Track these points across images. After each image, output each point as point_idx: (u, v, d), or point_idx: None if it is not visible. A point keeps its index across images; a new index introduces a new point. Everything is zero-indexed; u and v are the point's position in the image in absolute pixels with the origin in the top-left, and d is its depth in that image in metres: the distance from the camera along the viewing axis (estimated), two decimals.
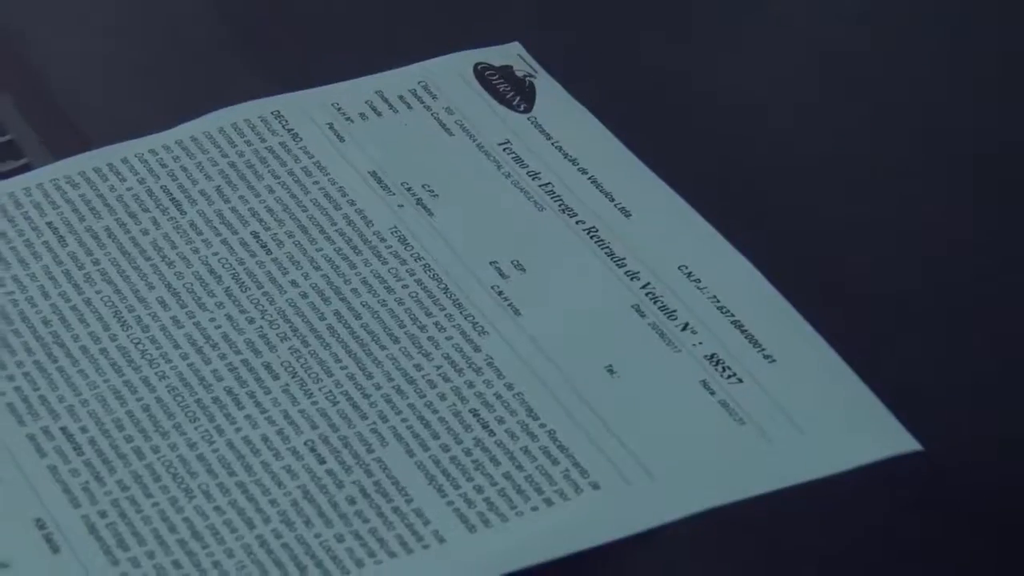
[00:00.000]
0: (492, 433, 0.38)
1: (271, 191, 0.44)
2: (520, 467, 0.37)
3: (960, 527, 0.38)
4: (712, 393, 0.39)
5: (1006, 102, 0.50)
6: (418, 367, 0.39)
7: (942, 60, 0.51)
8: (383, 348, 0.40)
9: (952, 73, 0.50)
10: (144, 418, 0.38)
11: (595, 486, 0.37)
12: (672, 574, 0.37)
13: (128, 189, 0.44)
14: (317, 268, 0.42)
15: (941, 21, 0.52)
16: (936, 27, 0.52)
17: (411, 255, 0.42)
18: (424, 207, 0.44)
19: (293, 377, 0.39)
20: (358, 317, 0.41)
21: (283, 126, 0.46)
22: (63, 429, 0.38)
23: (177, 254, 0.42)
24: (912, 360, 0.41)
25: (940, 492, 0.39)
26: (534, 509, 0.37)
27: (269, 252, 0.42)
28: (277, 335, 0.40)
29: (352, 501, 0.36)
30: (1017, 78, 0.50)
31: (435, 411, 0.38)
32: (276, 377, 0.39)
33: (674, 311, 0.41)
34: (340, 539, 0.36)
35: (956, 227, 0.45)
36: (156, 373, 0.39)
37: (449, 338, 0.40)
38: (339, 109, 0.46)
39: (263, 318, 0.40)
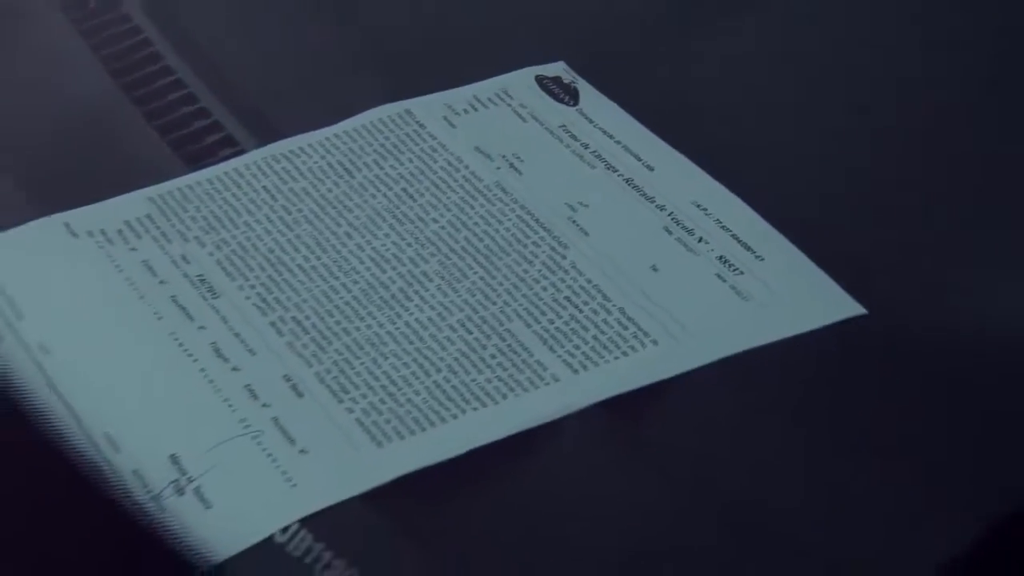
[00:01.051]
0: (580, 311, 0.56)
1: (411, 161, 0.62)
2: (602, 332, 0.56)
3: (902, 373, 0.56)
4: (724, 281, 0.58)
5: None
6: (526, 271, 0.58)
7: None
8: (500, 259, 0.58)
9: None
10: (347, 309, 0.56)
11: (654, 343, 0.56)
12: (681, 416, 0.56)
13: (315, 163, 0.62)
14: (449, 210, 0.60)
15: None
16: None
17: (511, 199, 0.61)
18: (515, 168, 0.62)
19: (443, 280, 0.57)
20: (481, 240, 0.59)
21: (413, 119, 0.65)
22: (293, 318, 0.56)
23: (354, 203, 0.61)
24: (860, 246, 0.59)
25: (885, 346, 0.57)
26: (616, 359, 0.55)
27: (415, 200, 0.61)
28: (428, 253, 0.58)
29: (494, 356, 0.54)
30: None
31: (541, 299, 0.57)
32: (431, 280, 0.57)
33: (692, 230, 0.60)
34: (488, 381, 0.54)
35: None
36: (351, 280, 0.57)
37: (543, 251, 0.59)
38: (450, 107, 0.65)
39: (417, 243, 0.59)
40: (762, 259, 0.59)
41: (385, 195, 0.61)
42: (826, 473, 0.51)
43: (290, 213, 0.60)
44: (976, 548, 0.50)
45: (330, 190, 0.61)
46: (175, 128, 0.64)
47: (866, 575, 0.49)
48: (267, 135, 0.64)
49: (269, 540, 0.48)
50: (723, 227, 0.60)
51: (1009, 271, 0.59)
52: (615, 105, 0.66)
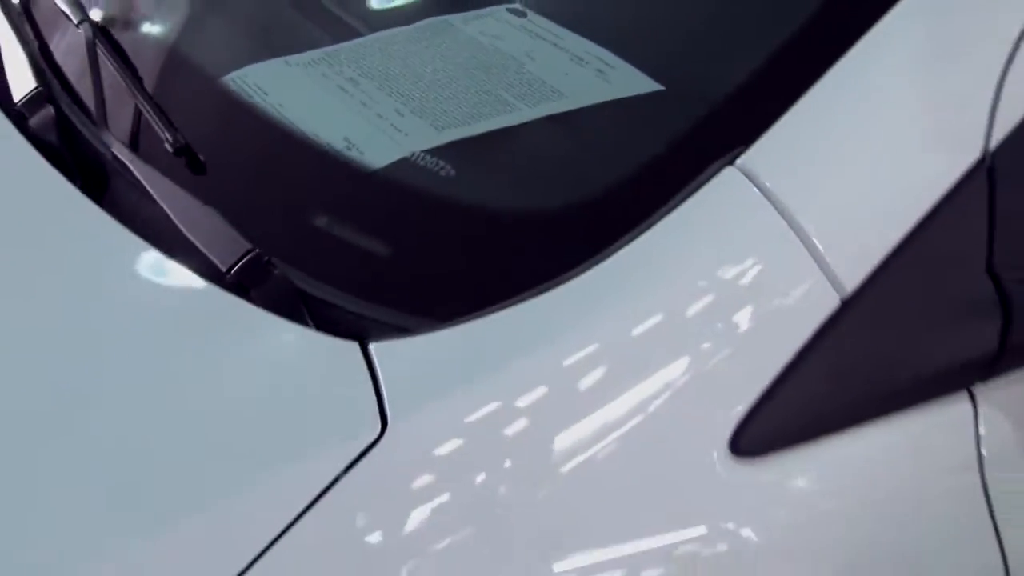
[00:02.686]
0: (585, 63, 1.16)
1: (460, 34, 1.27)
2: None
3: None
4: (601, 74, 1.21)
5: None
6: (516, 68, 1.22)
7: None
8: (503, 64, 1.22)
9: None
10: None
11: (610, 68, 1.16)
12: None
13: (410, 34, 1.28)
14: (485, 51, 1.24)
15: None
16: None
17: (504, 52, 1.24)
18: (500, 39, 1.27)
19: (464, 72, 1.22)
20: (492, 59, 1.23)
21: (449, 24, 1.29)
22: (400, 94, 1.20)
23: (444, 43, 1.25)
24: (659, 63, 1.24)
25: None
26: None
27: (468, 46, 1.26)
28: (470, 61, 1.23)
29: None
30: None
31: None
32: (465, 73, 1.22)
33: (586, 62, 1.24)
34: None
35: None
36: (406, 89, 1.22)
37: (520, 65, 1.23)
38: (465, 20, 1.30)
39: (474, 59, 1.24)
40: (615, 68, 1.22)
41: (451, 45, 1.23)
42: None
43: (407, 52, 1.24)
44: None
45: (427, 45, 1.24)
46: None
47: None
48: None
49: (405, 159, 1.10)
50: (602, 62, 1.24)
51: None
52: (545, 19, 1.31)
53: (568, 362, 0.92)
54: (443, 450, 0.91)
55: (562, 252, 0.99)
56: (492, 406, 0.92)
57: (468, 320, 0.95)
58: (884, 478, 0.99)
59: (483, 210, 1.06)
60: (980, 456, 1.01)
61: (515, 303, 0.95)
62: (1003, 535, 0.99)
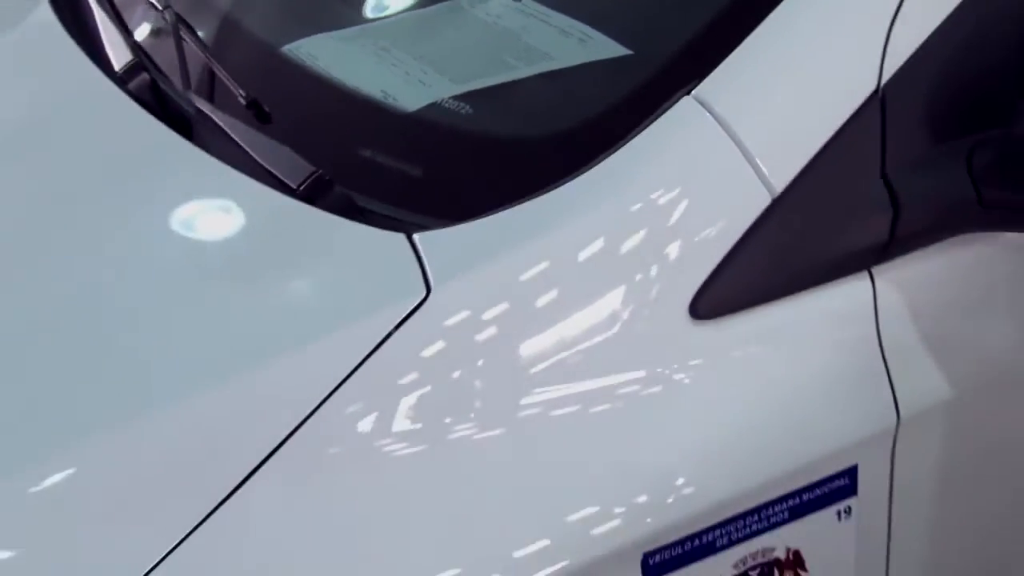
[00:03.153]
0: (570, 34, 1.47)
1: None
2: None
3: None
4: (582, 42, 1.52)
5: None
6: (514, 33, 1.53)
7: None
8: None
9: None
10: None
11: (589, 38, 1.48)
12: None
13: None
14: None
15: None
16: None
17: (502, 25, 1.56)
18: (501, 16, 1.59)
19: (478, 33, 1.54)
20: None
21: (458, 3, 1.61)
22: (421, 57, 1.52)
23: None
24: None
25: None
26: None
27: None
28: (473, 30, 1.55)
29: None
30: None
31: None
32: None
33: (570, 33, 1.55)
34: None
35: None
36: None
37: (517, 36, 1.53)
38: (471, 2, 1.62)
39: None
40: (593, 38, 1.51)
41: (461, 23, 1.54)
42: None
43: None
44: None
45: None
46: None
47: None
48: None
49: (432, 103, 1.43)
50: (584, 34, 1.53)
51: None
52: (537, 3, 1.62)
53: (566, 243, 1.23)
54: (476, 307, 1.22)
55: (555, 169, 1.30)
56: (509, 277, 1.23)
57: (484, 216, 1.26)
58: (804, 335, 1.30)
59: (495, 138, 1.39)
60: (876, 318, 1.32)
61: (527, 200, 1.26)
62: (893, 378, 1.30)
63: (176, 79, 1.52)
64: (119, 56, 1.58)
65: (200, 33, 1.56)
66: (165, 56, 1.56)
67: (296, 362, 1.19)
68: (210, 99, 1.47)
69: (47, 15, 1.66)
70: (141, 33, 1.64)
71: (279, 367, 1.19)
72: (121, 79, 1.51)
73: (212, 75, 1.50)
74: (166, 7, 1.57)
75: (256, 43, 1.55)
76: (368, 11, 1.61)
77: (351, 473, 1.12)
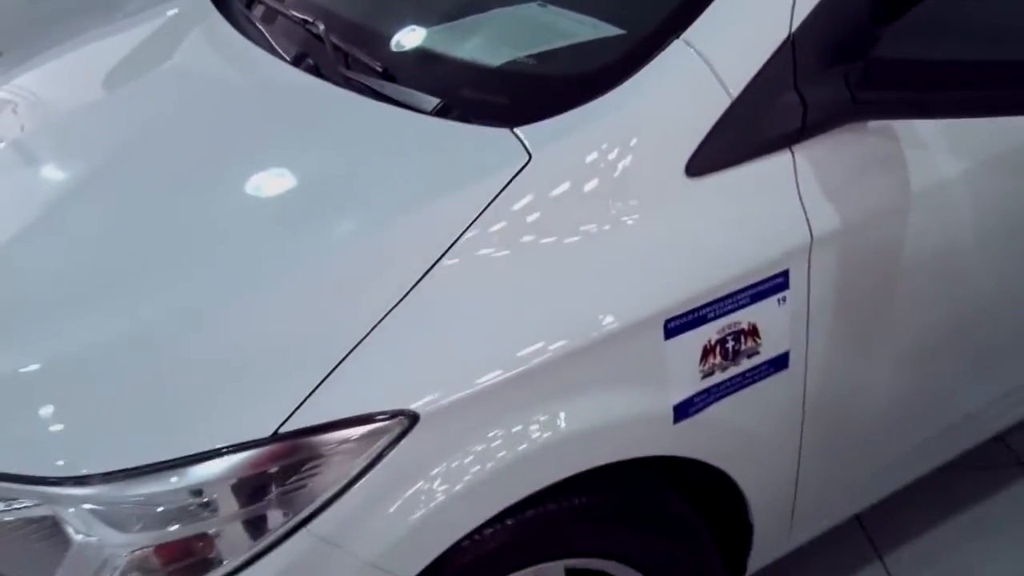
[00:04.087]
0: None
1: None
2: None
3: None
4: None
5: None
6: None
7: None
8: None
9: None
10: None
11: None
12: None
13: None
14: None
15: None
16: None
17: None
18: None
19: None
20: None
21: None
22: None
23: None
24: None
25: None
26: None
27: None
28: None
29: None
30: None
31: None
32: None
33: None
34: None
35: None
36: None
37: None
38: None
39: None
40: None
41: None
42: None
43: None
44: None
45: None
46: None
47: None
48: None
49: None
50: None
51: None
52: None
53: (613, 127, 2.01)
54: (564, 165, 2.00)
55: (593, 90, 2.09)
56: (581, 147, 2.02)
57: (559, 114, 2.05)
58: (754, 186, 2.10)
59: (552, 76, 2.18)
60: (796, 177, 2.12)
61: (582, 105, 2.05)
62: (808, 212, 2.13)
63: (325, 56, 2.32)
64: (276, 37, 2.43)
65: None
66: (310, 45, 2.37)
67: (449, 201, 1.95)
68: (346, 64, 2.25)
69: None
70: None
71: (434, 207, 1.96)
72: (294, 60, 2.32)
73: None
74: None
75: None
76: None
77: (490, 265, 1.91)
